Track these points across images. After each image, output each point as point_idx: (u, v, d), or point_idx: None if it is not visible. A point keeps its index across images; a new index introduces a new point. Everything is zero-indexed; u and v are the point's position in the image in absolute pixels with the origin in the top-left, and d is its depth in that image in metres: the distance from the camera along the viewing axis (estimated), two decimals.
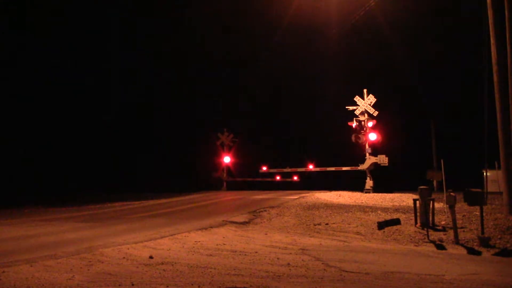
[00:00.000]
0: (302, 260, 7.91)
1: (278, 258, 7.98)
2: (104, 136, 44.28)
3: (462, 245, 9.51)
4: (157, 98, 51.23)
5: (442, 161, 13.39)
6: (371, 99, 25.25)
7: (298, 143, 44.61)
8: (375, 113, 25.26)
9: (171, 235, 10.27)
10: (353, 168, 26.47)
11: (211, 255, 8.25)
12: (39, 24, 49.62)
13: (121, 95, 49.14)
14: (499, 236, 9.86)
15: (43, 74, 46.61)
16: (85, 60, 51.66)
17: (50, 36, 50.03)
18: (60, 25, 54.15)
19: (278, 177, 33.34)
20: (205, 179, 34.08)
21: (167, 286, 5.97)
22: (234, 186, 32.40)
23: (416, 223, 11.41)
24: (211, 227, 11.78)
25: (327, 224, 12.45)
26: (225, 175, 32.23)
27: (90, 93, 47.77)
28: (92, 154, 43.26)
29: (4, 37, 43.51)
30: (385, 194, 22.64)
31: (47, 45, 48.92)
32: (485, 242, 9.35)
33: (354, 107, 25.48)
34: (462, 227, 10.87)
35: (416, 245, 9.66)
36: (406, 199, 19.58)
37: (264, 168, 32.57)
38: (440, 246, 9.48)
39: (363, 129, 25.31)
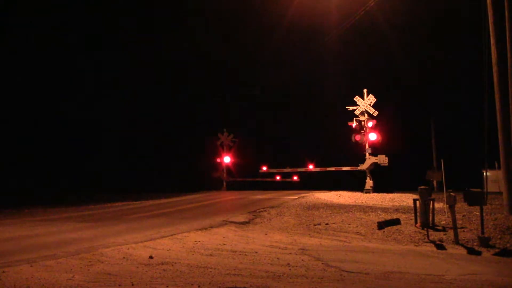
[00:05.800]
0: (302, 260, 7.91)
1: (278, 258, 7.98)
2: (104, 136, 44.30)
3: (462, 245, 9.51)
4: (157, 98, 51.26)
5: (442, 161, 13.38)
6: (371, 99, 25.24)
7: (298, 143, 44.61)
8: (375, 113, 25.26)
9: (171, 235, 10.27)
10: (353, 168, 26.47)
11: (211, 255, 8.25)
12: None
13: (121, 95, 49.12)
14: (499, 236, 9.87)
15: (43, 72, 46.64)
16: (84, 59, 51.72)
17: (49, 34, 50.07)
18: (60, 23, 54.21)
19: (278, 177, 33.33)
20: (205, 179, 34.09)
21: (167, 286, 5.97)
22: (234, 186, 32.39)
23: (416, 223, 11.41)
24: (211, 227, 11.78)
25: (327, 224, 12.45)
26: (225, 175, 32.23)
27: (90, 93, 47.82)
28: (92, 154, 43.28)
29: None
30: (385, 194, 22.63)
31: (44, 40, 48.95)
32: (485, 242, 9.35)
33: (354, 107, 25.48)
34: (462, 227, 10.88)
35: (416, 245, 9.66)
36: (406, 199, 19.57)
37: (264, 168, 32.57)
38: (440, 246, 9.47)
39: (363, 129, 25.30)
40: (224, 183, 32.06)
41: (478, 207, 10.59)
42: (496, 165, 16.74)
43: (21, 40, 48.11)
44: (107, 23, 55.22)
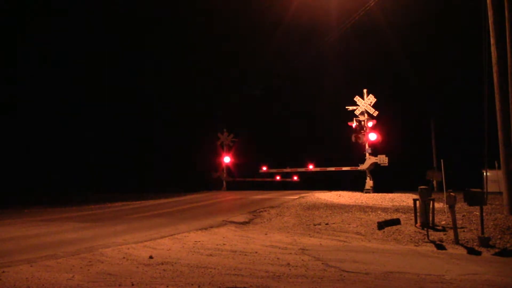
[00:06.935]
0: (302, 260, 7.91)
1: (278, 258, 7.98)
2: (104, 136, 44.29)
3: (462, 245, 9.51)
4: (157, 98, 51.28)
5: (442, 161, 13.39)
6: (371, 99, 25.24)
7: (298, 143, 44.62)
8: (375, 113, 25.26)
9: (171, 235, 10.27)
10: (353, 168, 26.48)
11: (211, 255, 8.25)
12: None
13: (121, 95, 49.09)
14: (499, 236, 9.86)
15: (43, 71, 46.60)
16: (84, 59, 51.67)
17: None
18: (62, 23, 54.20)
19: (278, 177, 33.35)
20: (205, 179, 34.12)
21: (167, 286, 5.97)
22: (234, 186, 32.40)
23: (416, 223, 11.41)
24: (211, 227, 11.78)
25: (327, 224, 12.45)
26: (225, 175, 32.24)
27: (90, 93, 47.80)
28: (92, 154, 43.27)
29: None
30: (385, 194, 22.63)
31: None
32: (485, 242, 9.35)
33: (354, 107, 25.48)
34: (462, 227, 10.87)
35: (416, 245, 9.66)
36: (406, 199, 19.58)
37: (264, 168, 32.58)
38: (440, 246, 9.47)
39: (363, 129, 25.30)
40: (224, 183, 32.07)
41: (478, 207, 10.59)
42: (496, 165, 16.74)
43: (22, 39, 48.10)
44: (107, 23, 55.22)
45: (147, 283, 6.13)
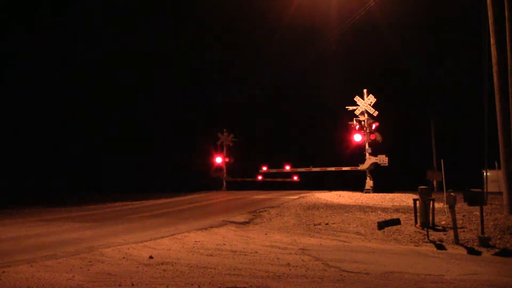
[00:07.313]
0: (302, 260, 7.91)
1: (278, 258, 7.98)
2: (104, 136, 44.31)
3: (462, 245, 9.51)
4: (157, 98, 51.29)
5: (442, 161, 13.39)
6: (371, 99, 25.22)
7: (298, 143, 44.61)
8: (375, 113, 25.23)
9: (171, 235, 10.28)
10: (353, 168, 26.46)
11: (211, 255, 8.25)
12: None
13: (121, 95, 49.10)
14: (499, 236, 9.87)
15: (43, 71, 46.63)
16: (85, 59, 51.70)
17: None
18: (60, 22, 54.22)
19: (278, 177, 33.33)
20: (204, 179, 34.09)
21: (167, 286, 5.97)
22: (234, 186, 32.38)
23: (416, 223, 11.41)
24: (211, 227, 11.79)
25: (327, 224, 12.45)
26: (225, 175, 32.22)
27: (90, 93, 47.81)
28: (92, 154, 43.28)
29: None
30: (385, 194, 22.61)
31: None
32: (485, 242, 9.35)
33: (354, 107, 25.46)
34: (462, 227, 10.88)
35: (416, 245, 9.66)
36: (406, 199, 19.57)
37: (264, 168, 32.55)
38: (440, 246, 9.48)
39: (363, 129, 25.29)
40: (224, 183, 32.04)
41: (478, 207, 10.59)
42: (496, 165, 16.74)
43: (21, 40, 48.11)
44: (107, 23, 55.27)
45: (147, 283, 6.13)
